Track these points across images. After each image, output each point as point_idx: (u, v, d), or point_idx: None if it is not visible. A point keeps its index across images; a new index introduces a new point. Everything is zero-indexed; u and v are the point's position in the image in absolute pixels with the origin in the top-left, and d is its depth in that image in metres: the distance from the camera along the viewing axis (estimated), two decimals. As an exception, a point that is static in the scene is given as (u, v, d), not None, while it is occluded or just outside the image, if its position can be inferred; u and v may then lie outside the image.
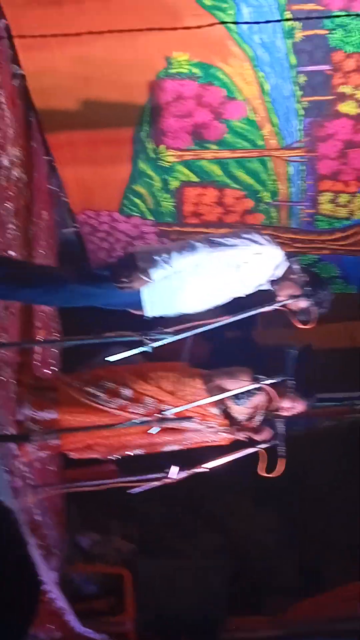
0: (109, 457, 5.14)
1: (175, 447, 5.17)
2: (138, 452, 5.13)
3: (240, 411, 5.06)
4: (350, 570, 8.53)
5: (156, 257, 4.42)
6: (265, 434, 5.00)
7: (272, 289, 4.75)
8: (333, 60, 5.30)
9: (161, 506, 8.38)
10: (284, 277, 4.73)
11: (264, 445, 4.88)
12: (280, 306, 4.70)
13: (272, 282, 4.76)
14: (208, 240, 4.54)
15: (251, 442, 5.01)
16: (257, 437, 5.01)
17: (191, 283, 4.56)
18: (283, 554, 9.23)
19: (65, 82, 5.65)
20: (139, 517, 8.43)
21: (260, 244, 4.58)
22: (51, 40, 5.37)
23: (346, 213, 6.57)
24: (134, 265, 4.48)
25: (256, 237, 4.60)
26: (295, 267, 4.69)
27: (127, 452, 5.14)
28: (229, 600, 7.92)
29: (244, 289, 4.76)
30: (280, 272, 4.70)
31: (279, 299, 4.70)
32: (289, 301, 4.67)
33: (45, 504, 5.91)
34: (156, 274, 4.42)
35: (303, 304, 4.73)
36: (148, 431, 4.82)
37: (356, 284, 7.49)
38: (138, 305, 4.63)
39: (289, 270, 4.71)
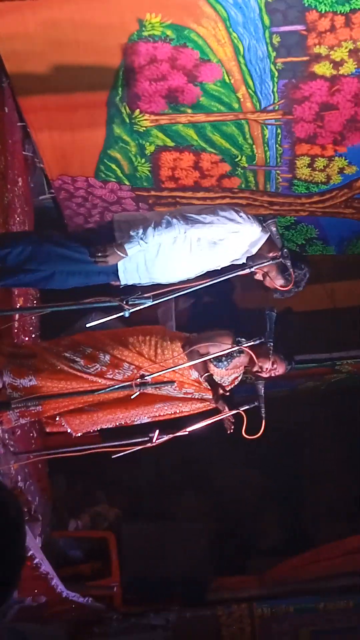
0: (79, 433, 5.16)
1: (146, 420, 5.20)
2: (109, 426, 5.16)
3: (220, 373, 5.09)
4: (334, 529, 8.65)
5: (132, 233, 4.50)
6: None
7: (248, 262, 4.80)
8: (307, 20, 5.23)
9: (145, 469, 8.45)
10: (261, 249, 4.77)
11: (245, 407, 4.91)
12: (257, 269, 4.74)
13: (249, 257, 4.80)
14: (184, 217, 4.59)
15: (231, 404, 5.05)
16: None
17: (166, 256, 4.63)
18: (267, 514, 9.34)
19: (37, 46, 5.56)
20: (124, 480, 8.50)
21: (238, 222, 4.63)
22: (22, 4, 5.28)
23: (323, 177, 6.55)
24: (111, 236, 4.54)
25: (233, 215, 4.64)
26: (273, 229, 4.71)
27: (99, 427, 5.17)
28: (215, 561, 8.01)
29: (219, 264, 4.81)
30: (256, 249, 4.74)
31: (256, 262, 4.74)
32: (266, 264, 4.70)
33: (28, 470, 5.94)
34: (132, 249, 4.53)
35: (279, 282, 4.77)
36: (132, 396, 4.84)
37: (334, 244, 7.50)
38: (113, 273, 4.69)
39: (267, 240, 4.74)
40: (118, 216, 4.80)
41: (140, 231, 4.52)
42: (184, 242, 4.60)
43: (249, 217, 4.69)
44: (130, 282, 4.81)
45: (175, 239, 4.59)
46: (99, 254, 4.54)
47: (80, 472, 8.22)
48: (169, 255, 4.65)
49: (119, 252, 4.53)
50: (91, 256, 4.56)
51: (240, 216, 4.65)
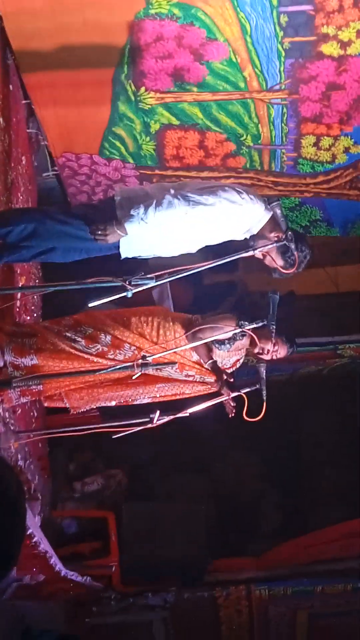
0: (79, 410, 5.14)
1: (147, 400, 5.19)
2: (109, 404, 5.15)
3: (222, 355, 5.08)
4: (333, 513, 8.65)
5: (133, 212, 4.48)
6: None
7: (250, 242, 4.78)
8: (315, 0, 5.20)
9: (146, 450, 8.46)
10: (263, 227, 4.74)
11: (246, 390, 4.90)
12: (260, 251, 4.71)
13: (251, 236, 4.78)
14: (186, 197, 4.55)
15: (232, 387, 5.04)
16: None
17: (167, 232, 4.61)
18: (266, 496, 9.35)
19: (43, 23, 5.54)
20: (124, 461, 8.51)
21: (239, 204, 4.59)
22: (29, -19, 5.29)
23: (329, 157, 6.52)
24: (112, 214, 4.53)
25: (235, 196, 4.60)
26: (277, 211, 4.68)
27: (99, 404, 5.16)
28: (213, 543, 8.02)
29: (220, 239, 4.80)
30: (258, 228, 4.72)
31: (259, 244, 4.71)
32: (269, 246, 4.67)
33: (28, 449, 5.94)
34: (131, 228, 4.52)
35: (281, 262, 4.75)
36: (133, 377, 4.83)
37: (339, 226, 7.48)
38: (115, 247, 4.68)
39: (270, 219, 4.72)
40: (120, 193, 4.76)
41: (141, 210, 4.51)
42: (185, 221, 4.58)
43: (251, 198, 4.66)
44: (130, 256, 4.79)
45: (176, 219, 4.57)
46: (99, 232, 4.53)
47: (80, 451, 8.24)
48: (170, 231, 4.63)
49: (119, 232, 4.53)
50: (91, 234, 4.56)
51: (242, 197, 4.62)
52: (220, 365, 5.09)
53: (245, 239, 4.79)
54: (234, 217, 4.64)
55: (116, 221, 4.54)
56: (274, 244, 4.66)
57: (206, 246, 4.87)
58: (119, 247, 4.68)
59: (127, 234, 4.54)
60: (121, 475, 8.31)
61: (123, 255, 4.75)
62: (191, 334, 4.95)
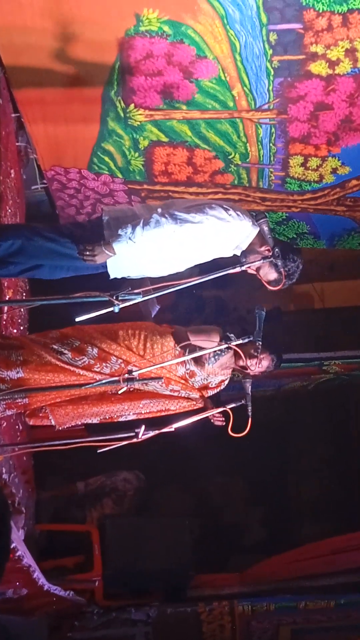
0: (64, 426, 5.13)
1: (132, 417, 5.18)
2: (94, 421, 5.14)
3: (207, 371, 5.09)
4: (317, 529, 8.68)
5: (121, 232, 4.51)
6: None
7: (237, 255, 4.80)
8: (304, 19, 5.23)
9: (130, 466, 8.45)
10: (252, 242, 4.76)
11: (232, 405, 4.91)
12: (248, 267, 4.73)
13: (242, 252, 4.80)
14: (173, 215, 4.57)
15: (218, 402, 5.05)
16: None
17: (155, 252, 4.63)
18: (251, 512, 9.36)
19: (34, 39, 5.55)
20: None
21: (227, 221, 4.62)
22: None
23: (316, 177, 6.56)
24: (100, 234, 4.55)
25: (222, 214, 4.62)
26: (265, 228, 4.71)
27: (83, 421, 5.15)
28: (197, 558, 8.01)
29: (208, 257, 4.82)
30: (246, 244, 4.74)
31: (248, 260, 4.74)
32: (257, 263, 4.70)
33: (13, 462, 5.93)
34: (119, 248, 4.54)
35: (272, 276, 4.77)
36: (119, 391, 4.84)
37: (325, 239, 7.52)
38: (103, 267, 4.70)
39: (258, 234, 4.74)
40: (107, 212, 4.78)
41: (129, 230, 4.53)
42: (173, 240, 4.60)
43: (238, 214, 4.68)
44: (120, 276, 4.82)
45: (164, 237, 4.59)
46: (87, 253, 4.55)
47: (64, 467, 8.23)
48: (158, 251, 4.66)
49: (106, 251, 4.55)
50: (79, 254, 4.58)
51: (230, 214, 4.64)
52: (204, 382, 5.11)
53: (235, 255, 4.82)
54: (221, 233, 4.66)
55: (104, 241, 4.56)
56: (262, 261, 4.69)
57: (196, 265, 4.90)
58: (106, 266, 4.70)
59: (115, 253, 4.56)
60: (136, 479, 8.32)
61: (112, 276, 4.77)
62: (183, 346, 4.96)
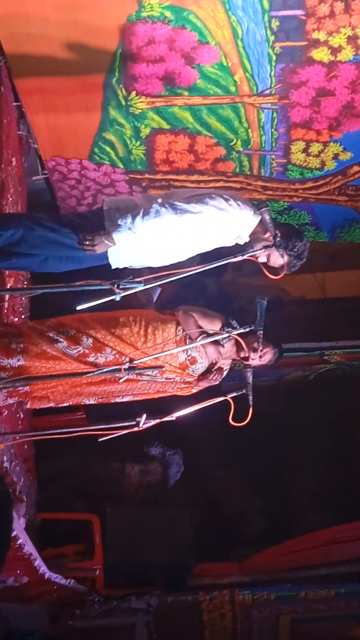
0: (62, 404, 5.12)
1: (128, 398, 5.18)
2: (91, 400, 5.13)
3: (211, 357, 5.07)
4: (317, 519, 8.68)
5: (121, 222, 4.50)
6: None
7: (240, 244, 4.78)
8: (307, 5, 5.23)
9: (132, 455, 8.45)
10: (255, 231, 4.75)
11: (232, 394, 4.89)
12: (250, 256, 4.71)
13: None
14: (173, 206, 4.57)
15: (219, 391, 5.03)
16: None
17: (156, 242, 4.63)
18: (251, 502, 9.36)
19: (35, 27, 5.54)
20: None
21: (227, 211, 4.61)
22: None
23: (318, 163, 6.55)
24: (101, 225, 4.54)
25: (222, 204, 4.61)
26: (266, 217, 4.68)
27: (80, 400, 5.14)
28: (198, 547, 8.02)
29: (209, 247, 4.81)
30: (246, 234, 4.72)
31: (256, 247, 4.72)
32: (260, 252, 4.68)
33: (14, 451, 5.93)
34: (119, 238, 4.54)
35: (282, 260, 4.75)
36: (120, 380, 4.82)
37: (327, 231, 7.51)
38: (105, 257, 4.69)
39: (260, 222, 4.72)
40: (108, 203, 4.77)
41: (129, 220, 4.53)
42: (173, 230, 4.59)
43: (238, 204, 4.66)
44: (121, 266, 4.80)
45: (164, 227, 4.58)
46: (87, 242, 4.54)
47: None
48: (158, 240, 4.65)
49: (106, 241, 4.54)
50: (79, 244, 4.57)
51: (230, 204, 4.63)
52: (204, 369, 5.09)
53: (237, 244, 4.80)
54: (222, 223, 4.65)
55: (104, 231, 4.56)
56: (263, 250, 4.67)
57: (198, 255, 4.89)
58: (107, 257, 4.70)
59: (115, 243, 4.55)
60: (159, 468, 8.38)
61: (113, 266, 4.77)
62: (184, 317, 4.95)
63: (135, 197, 4.97)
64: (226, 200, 4.64)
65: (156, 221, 4.55)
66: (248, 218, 4.68)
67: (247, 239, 4.77)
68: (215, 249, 4.87)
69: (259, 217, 4.70)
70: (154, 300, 6.64)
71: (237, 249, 4.77)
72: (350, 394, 9.44)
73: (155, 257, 4.79)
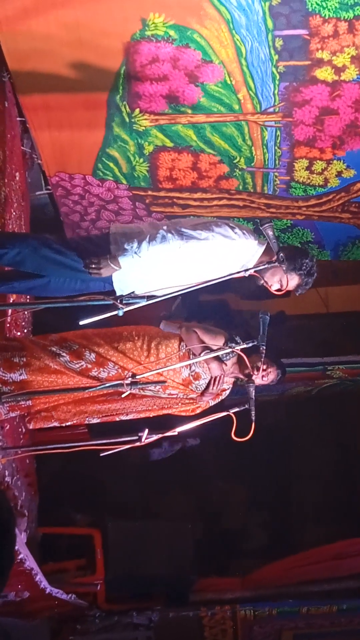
0: (66, 423, 5.13)
1: (132, 416, 5.18)
2: (95, 419, 5.14)
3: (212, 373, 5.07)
4: (320, 534, 8.66)
5: (127, 247, 4.52)
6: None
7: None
8: (310, 25, 5.26)
9: (133, 469, 8.44)
10: (259, 261, 4.76)
11: (235, 409, 4.89)
12: (254, 272, 4.72)
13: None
14: (179, 232, 4.59)
15: (221, 406, 5.04)
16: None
17: (160, 269, 4.64)
18: (254, 516, 9.34)
19: (40, 44, 5.57)
20: (111, 479, 8.48)
21: (232, 239, 4.63)
22: (27, 1, 5.31)
23: (321, 180, 6.57)
24: (107, 249, 4.56)
25: (228, 232, 4.63)
26: (269, 232, 4.69)
27: (84, 419, 5.15)
28: (199, 562, 8.01)
29: (214, 275, 4.81)
30: (252, 263, 4.73)
31: (266, 275, 4.73)
32: (262, 267, 4.69)
33: (16, 465, 5.93)
34: (125, 262, 4.56)
35: (295, 282, 4.76)
36: (122, 395, 4.83)
37: (330, 249, 7.52)
38: (109, 282, 4.71)
39: (264, 252, 4.73)
40: (115, 228, 4.80)
41: (135, 245, 4.55)
42: (179, 256, 4.61)
43: (244, 233, 4.68)
44: (125, 292, 4.80)
45: (170, 253, 4.60)
46: (93, 266, 4.56)
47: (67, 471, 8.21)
48: (164, 267, 4.66)
49: (112, 265, 4.56)
50: (85, 267, 4.59)
51: (235, 232, 4.65)
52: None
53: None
54: (227, 251, 4.66)
55: (110, 255, 4.58)
56: (267, 266, 4.67)
57: None
58: (112, 282, 4.72)
59: (120, 267, 4.57)
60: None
61: (118, 292, 4.77)
62: (186, 332, 4.95)
63: (141, 224, 4.98)
64: (232, 228, 4.67)
65: (162, 246, 4.57)
66: (252, 247, 4.71)
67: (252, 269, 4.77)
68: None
69: (263, 247, 4.72)
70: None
71: (245, 281, 4.79)
72: (352, 408, 9.43)
73: (160, 284, 4.80)
